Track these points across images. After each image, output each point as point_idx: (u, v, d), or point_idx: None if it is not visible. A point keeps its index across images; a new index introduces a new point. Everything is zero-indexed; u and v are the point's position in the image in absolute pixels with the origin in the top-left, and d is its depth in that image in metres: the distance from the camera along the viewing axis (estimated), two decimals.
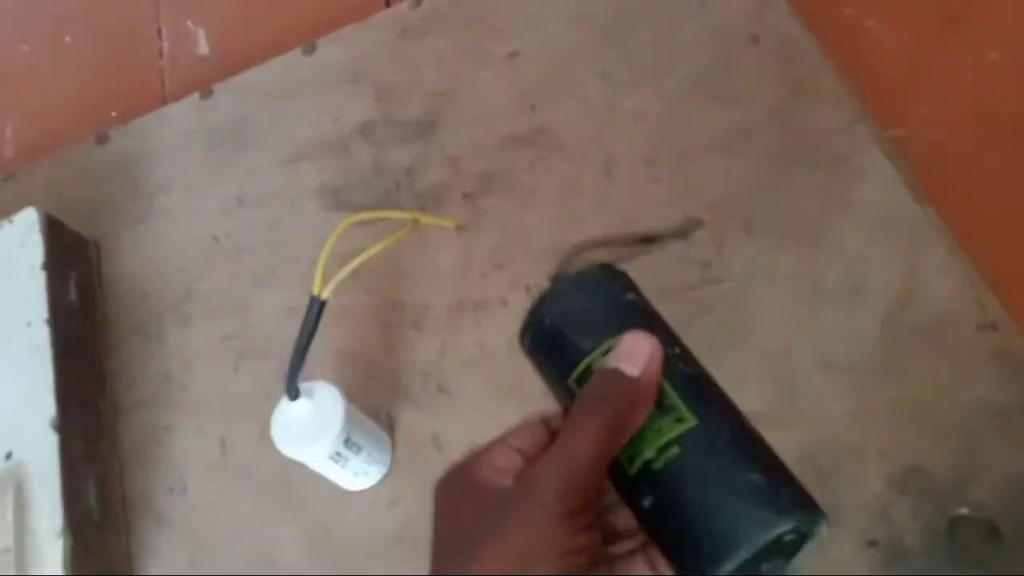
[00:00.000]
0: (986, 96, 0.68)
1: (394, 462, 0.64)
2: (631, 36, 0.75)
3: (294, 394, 0.56)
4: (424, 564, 0.38)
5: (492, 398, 0.64)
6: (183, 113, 0.84)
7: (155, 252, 0.78)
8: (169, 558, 0.66)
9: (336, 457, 0.58)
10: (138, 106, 0.86)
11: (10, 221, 0.72)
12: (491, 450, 0.40)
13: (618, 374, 0.37)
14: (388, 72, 0.79)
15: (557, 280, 0.43)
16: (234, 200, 0.78)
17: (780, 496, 0.36)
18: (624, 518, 0.40)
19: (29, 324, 0.68)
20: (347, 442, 0.58)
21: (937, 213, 0.62)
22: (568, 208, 0.69)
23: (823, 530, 0.36)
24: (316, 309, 0.54)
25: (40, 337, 0.67)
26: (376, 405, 0.66)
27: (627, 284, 0.42)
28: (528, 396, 0.44)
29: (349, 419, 0.58)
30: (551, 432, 0.41)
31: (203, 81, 0.85)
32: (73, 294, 0.73)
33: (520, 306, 0.51)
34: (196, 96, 0.84)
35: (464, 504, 0.38)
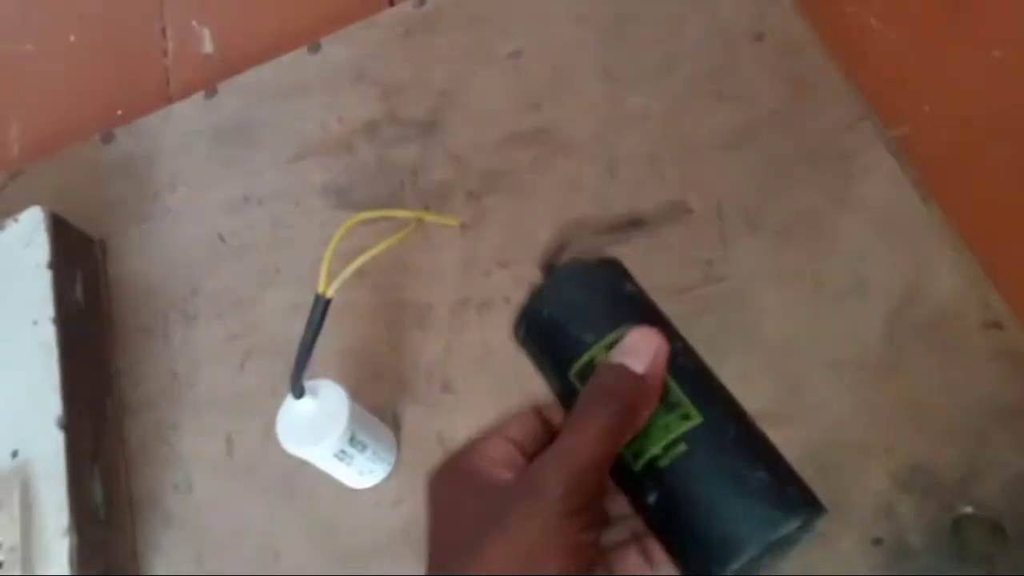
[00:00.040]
0: (990, 94, 0.68)
1: (399, 461, 0.65)
2: (634, 34, 0.75)
3: (299, 393, 0.56)
4: None
5: (497, 396, 0.64)
6: (188, 112, 0.84)
7: (161, 251, 0.78)
8: (175, 556, 0.67)
9: (341, 455, 0.59)
10: (143, 105, 0.87)
11: (16, 220, 0.73)
12: (486, 442, 0.39)
13: (624, 370, 0.36)
14: (392, 71, 0.79)
15: (551, 270, 0.43)
16: (239, 199, 0.78)
17: (787, 494, 0.36)
18: (617, 504, 0.40)
19: (35, 323, 0.68)
20: (352, 440, 0.58)
21: (941, 211, 0.62)
22: (572, 206, 0.69)
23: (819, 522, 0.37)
24: (321, 308, 0.54)
25: (46, 336, 0.67)
26: (381, 404, 0.66)
27: (624, 274, 0.42)
28: (533, 394, 0.44)
29: (354, 418, 0.58)
30: (545, 422, 0.41)
31: (208, 80, 0.85)
32: (79, 293, 0.73)
33: None
34: (201, 95, 0.84)
35: (462, 499, 0.38)
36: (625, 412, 0.36)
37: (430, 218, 0.71)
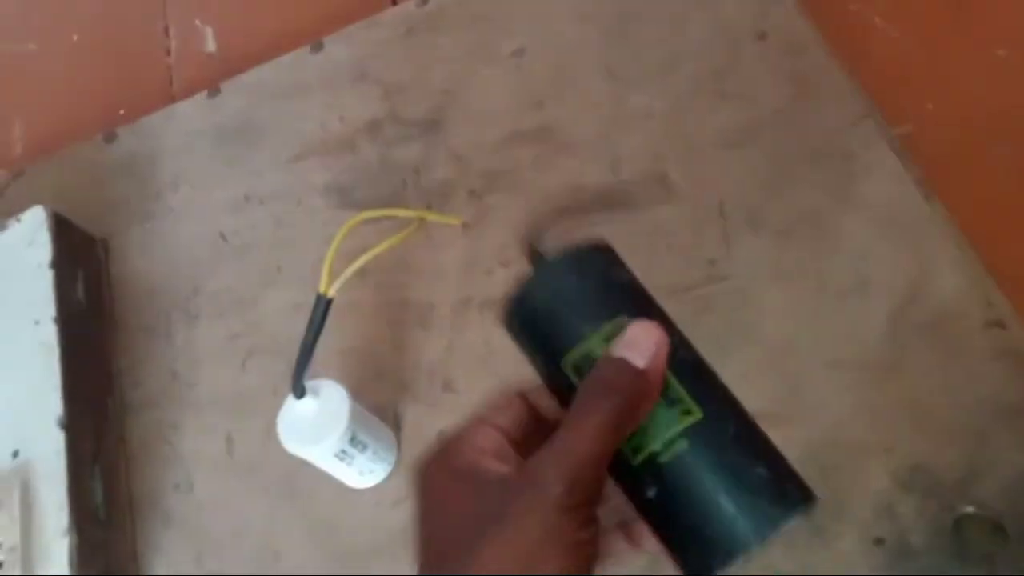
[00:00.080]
0: (994, 92, 0.68)
1: (400, 461, 0.65)
2: (637, 33, 0.74)
3: (300, 393, 0.56)
4: None
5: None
6: (191, 111, 0.84)
7: (163, 250, 0.78)
8: (175, 556, 0.67)
9: (342, 455, 0.58)
10: (146, 104, 0.87)
11: (18, 220, 0.73)
12: (474, 432, 0.39)
13: (625, 365, 0.36)
14: (395, 70, 0.79)
15: (536, 253, 0.42)
16: (241, 198, 0.78)
17: (786, 491, 0.36)
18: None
19: (37, 322, 0.68)
20: (353, 440, 0.58)
21: (944, 210, 0.62)
22: (574, 206, 0.69)
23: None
24: (322, 307, 0.54)
25: (48, 335, 0.67)
26: (382, 403, 0.66)
27: (616, 259, 0.41)
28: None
29: (354, 418, 0.58)
30: (531, 407, 0.40)
31: (210, 79, 0.85)
32: (81, 292, 0.73)
33: None
34: (204, 94, 0.84)
35: (455, 495, 0.37)
36: (626, 408, 0.35)
37: (432, 217, 0.71)
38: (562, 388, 0.38)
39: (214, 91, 0.84)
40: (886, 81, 0.69)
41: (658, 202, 0.67)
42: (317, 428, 0.57)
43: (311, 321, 0.54)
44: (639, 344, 0.36)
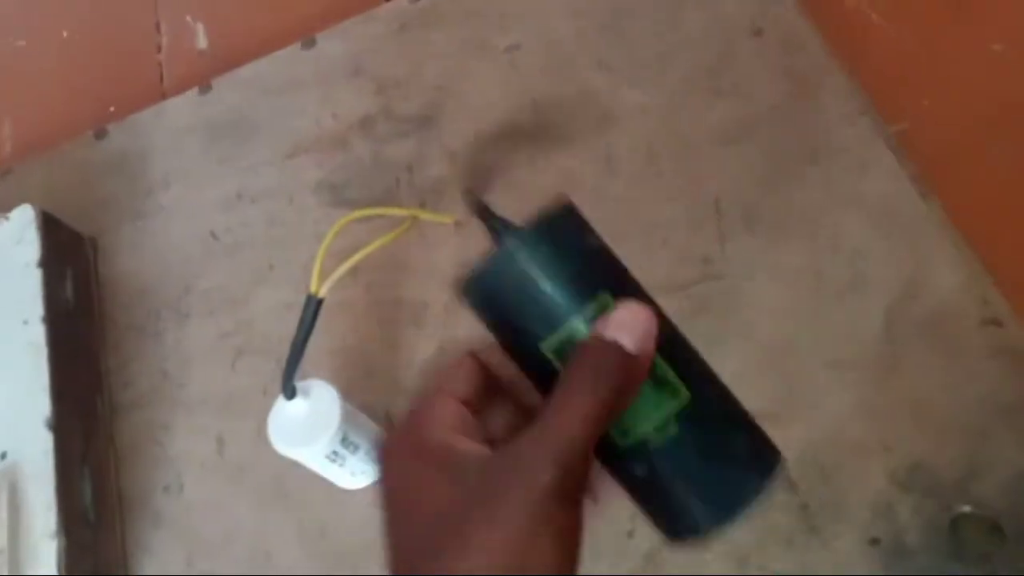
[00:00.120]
0: (991, 89, 0.68)
1: None
2: (632, 29, 0.74)
3: (290, 393, 0.56)
4: None
5: None
6: (182, 108, 0.83)
7: (153, 249, 0.77)
8: (165, 557, 0.66)
9: (333, 456, 0.58)
10: (136, 101, 0.86)
11: (6, 218, 0.72)
12: (436, 407, 0.38)
13: (615, 348, 0.35)
14: (388, 66, 0.79)
15: (491, 214, 0.40)
16: (233, 196, 0.77)
17: (766, 458, 0.38)
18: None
19: (25, 322, 0.67)
20: (344, 441, 0.57)
21: (941, 207, 0.62)
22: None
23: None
24: (313, 308, 0.54)
25: (36, 335, 0.67)
26: (374, 403, 0.65)
27: (586, 226, 0.39)
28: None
29: (346, 418, 0.57)
30: (482, 366, 0.40)
31: (202, 76, 0.84)
32: (70, 292, 0.72)
33: None
34: (195, 91, 0.83)
35: (427, 479, 0.35)
36: (617, 391, 0.34)
37: (425, 216, 0.70)
38: (541, 371, 0.37)
39: (205, 88, 0.83)
40: (883, 78, 0.69)
41: (653, 199, 0.67)
42: (308, 429, 0.56)
43: (301, 321, 0.54)
44: (629, 326, 0.35)
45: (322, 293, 0.54)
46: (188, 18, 0.93)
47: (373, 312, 0.69)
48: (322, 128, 0.78)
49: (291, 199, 0.75)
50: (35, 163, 0.84)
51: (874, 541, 0.54)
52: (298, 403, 0.56)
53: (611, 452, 0.37)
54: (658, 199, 0.67)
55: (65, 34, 0.96)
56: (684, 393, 0.36)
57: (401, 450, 0.38)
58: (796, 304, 0.61)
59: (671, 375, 0.36)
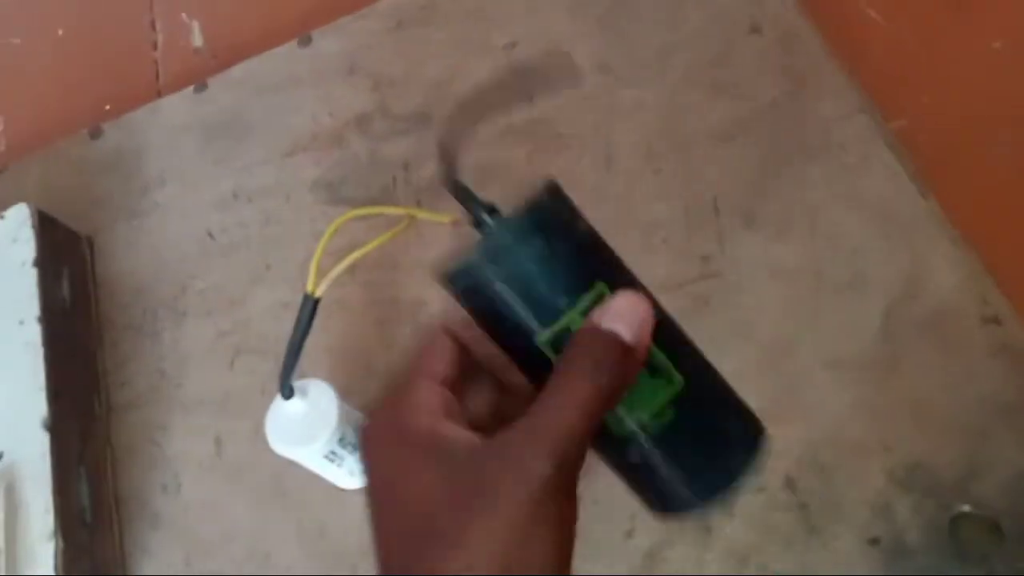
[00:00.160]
0: (989, 86, 0.67)
1: None
2: (630, 26, 0.74)
3: (288, 393, 0.56)
4: None
5: None
6: (177, 106, 0.83)
7: (149, 248, 0.77)
8: (163, 558, 0.66)
9: (331, 456, 0.58)
10: (132, 100, 0.86)
11: (2, 217, 0.72)
12: (418, 391, 0.37)
13: (613, 340, 0.34)
14: (385, 64, 0.78)
15: (470, 194, 0.38)
16: (229, 195, 0.77)
17: (753, 434, 0.38)
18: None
19: (21, 322, 0.67)
20: (342, 441, 0.57)
21: (940, 205, 0.61)
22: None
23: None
24: (309, 307, 0.53)
25: (32, 335, 0.66)
26: (372, 402, 0.65)
27: (574, 210, 0.38)
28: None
29: (344, 418, 0.57)
30: (458, 343, 0.39)
31: (197, 74, 0.84)
32: (66, 291, 0.72)
33: None
34: (190, 89, 0.83)
35: (415, 469, 0.35)
36: (615, 383, 0.34)
37: (422, 215, 0.70)
38: (533, 362, 0.36)
39: (201, 86, 0.83)
40: (882, 75, 0.68)
41: (652, 197, 0.67)
42: (306, 429, 0.56)
43: (298, 321, 0.53)
44: (626, 317, 0.34)
45: (319, 292, 0.53)
46: (184, 16, 0.93)
47: (370, 311, 0.69)
48: (319, 126, 0.78)
49: (288, 198, 0.75)
50: (30, 161, 0.84)
51: (874, 541, 0.54)
52: (296, 403, 0.56)
53: (605, 439, 0.36)
54: (657, 197, 0.67)
55: (60, 32, 0.96)
56: (678, 379, 0.36)
57: (386, 438, 0.37)
58: (795, 302, 0.61)
59: (665, 361, 0.36)
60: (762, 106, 0.67)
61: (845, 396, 0.57)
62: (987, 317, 0.57)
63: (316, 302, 0.53)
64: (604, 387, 0.34)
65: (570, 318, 0.35)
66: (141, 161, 0.81)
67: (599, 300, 0.35)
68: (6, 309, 0.68)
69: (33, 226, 0.71)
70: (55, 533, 0.60)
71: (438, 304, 0.67)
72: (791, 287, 0.61)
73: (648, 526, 0.57)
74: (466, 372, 0.39)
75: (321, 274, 0.53)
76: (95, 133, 0.83)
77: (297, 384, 0.56)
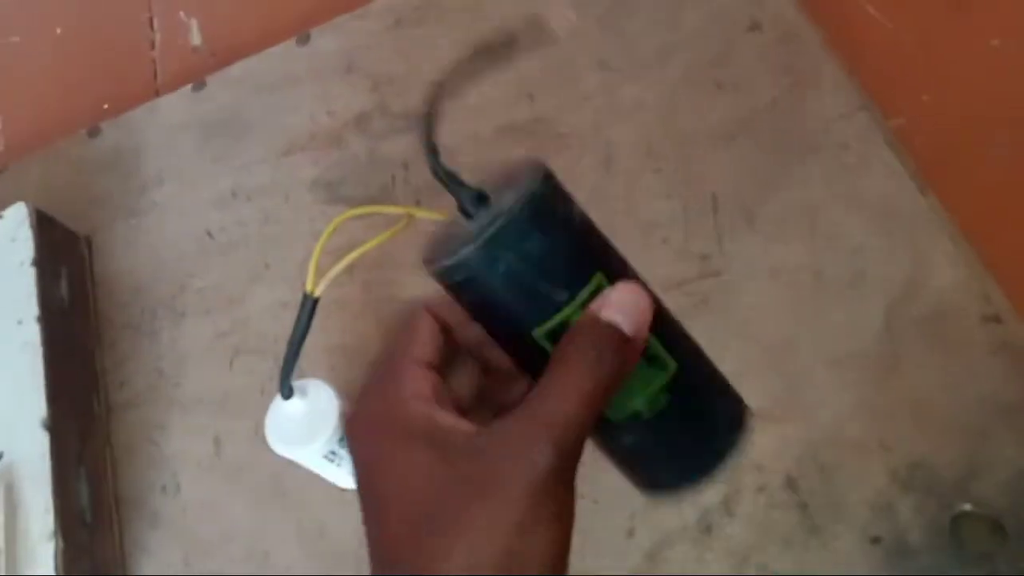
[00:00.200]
0: (989, 84, 0.67)
1: None
2: (630, 23, 0.74)
3: (287, 393, 0.55)
4: None
5: None
6: (176, 105, 0.83)
7: (148, 247, 0.77)
8: (162, 557, 0.66)
9: (331, 456, 0.57)
10: (130, 98, 0.85)
11: (0, 216, 0.71)
12: (405, 375, 0.36)
13: (613, 332, 0.34)
14: (383, 62, 0.78)
15: (459, 183, 0.38)
16: (228, 194, 0.77)
17: (740, 414, 0.39)
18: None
19: (20, 322, 0.67)
20: (342, 441, 0.57)
21: (940, 203, 0.61)
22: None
23: None
24: (309, 307, 0.53)
25: (31, 335, 0.66)
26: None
27: (567, 195, 0.37)
28: None
29: (343, 418, 0.57)
30: (443, 324, 0.39)
31: (196, 73, 0.84)
32: (64, 290, 0.72)
33: None
34: (189, 88, 0.83)
35: (409, 459, 0.34)
36: (616, 374, 0.34)
37: (421, 214, 0.69)
38: (529, 353, 0.36)
39: (199, 84, 0.82)
40: (881, 73, 0.68)
41: (652, 196, 0.66)
42: (305, 429, 0.56)
43: (297, 320, 0.53)
44: (626, 309, 0.34)
45: (318, 292, 0.53)
46: (182, 15, 0.92)
47: (370, 310, 0.69)
48: (317, 125, 0.77)
49: (286, 197, 0.75)
50: (29, 161, 0.84)
51: (875, 540, 0.53)
52: (295, 403, 0.56)
53: (600, 426, 0.36)
54: (657, 196, 0.66)
55: (59, 31, 0.96)
56: (672, 364, 0.36)
57: (377, 427, 0.36)
58: (795, 301, 0.61)
59: (660, 349, 0.36)
60: (762, 105, 0.67)
61: (845, 395, 0.57)
62: (988, 315, 0.57)
63: (315, 301, 0.53)
64: (605, 378, 0.34)
65: (569, 311, 0.35)
66: (139, 160, 0.81)
67: (597, 291, 0.35)
68: (4, 309, 0.68)
69: (31, 225, 0.71)
70: (55, 533, 0.60)
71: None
72: (791, 286, 0.61)
73: (648, 526, 0.57)
74: (450, 353, 0.39)
75: (320, 273, 0.53)
76: (93, 132, 0.83)
77: (296, 384, 0.56)
